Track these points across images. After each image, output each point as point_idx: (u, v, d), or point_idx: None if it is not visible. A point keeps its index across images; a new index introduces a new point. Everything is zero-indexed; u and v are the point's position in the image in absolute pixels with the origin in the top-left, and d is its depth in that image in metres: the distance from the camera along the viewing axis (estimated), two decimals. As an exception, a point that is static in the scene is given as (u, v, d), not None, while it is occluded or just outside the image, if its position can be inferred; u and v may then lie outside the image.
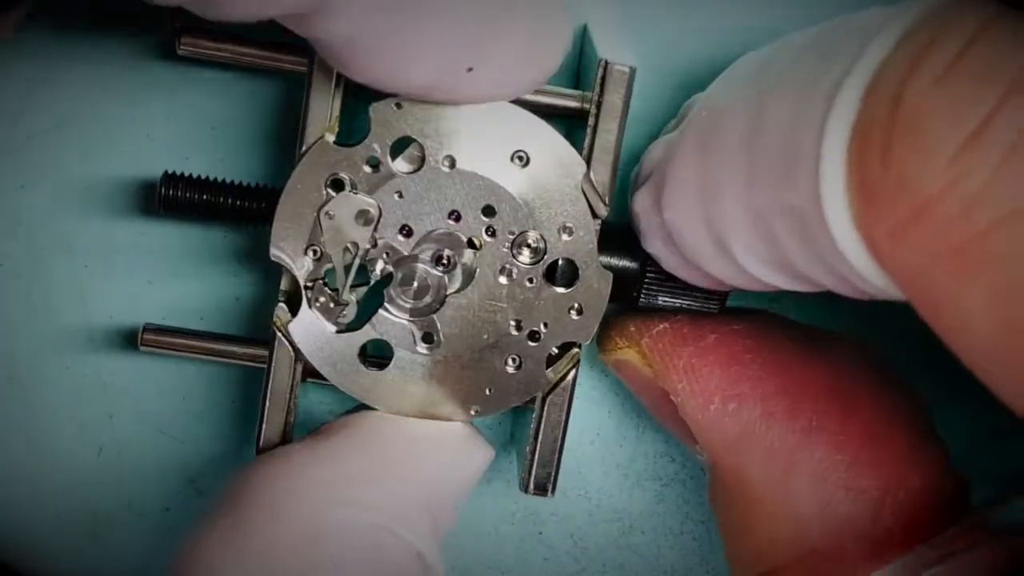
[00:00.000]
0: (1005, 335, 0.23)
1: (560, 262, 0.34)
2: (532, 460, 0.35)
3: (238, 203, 0.35)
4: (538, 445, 0.34)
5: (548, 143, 0.33)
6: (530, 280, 0.34)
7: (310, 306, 0.34)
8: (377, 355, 0.35)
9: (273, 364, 0.34)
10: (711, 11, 0.36)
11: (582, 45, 0.36)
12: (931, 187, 0.24)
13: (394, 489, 0.33)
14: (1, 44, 0.36)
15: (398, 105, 0.33)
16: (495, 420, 0.38)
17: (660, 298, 0.35)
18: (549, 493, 0.35)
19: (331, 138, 0.33)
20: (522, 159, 0.33)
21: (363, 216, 0.33)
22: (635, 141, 0.36)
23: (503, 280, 0.34)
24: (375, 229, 0.33)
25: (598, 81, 0.33)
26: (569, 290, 0.34)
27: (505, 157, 0.33)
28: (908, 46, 0.25)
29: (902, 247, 0.25)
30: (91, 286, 0.37)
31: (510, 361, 0.34)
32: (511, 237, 0.34)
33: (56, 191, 0.37)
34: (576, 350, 0.34)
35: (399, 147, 0.33)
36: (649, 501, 0.40)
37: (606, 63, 0.33)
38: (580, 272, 0.34)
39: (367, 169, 0.33)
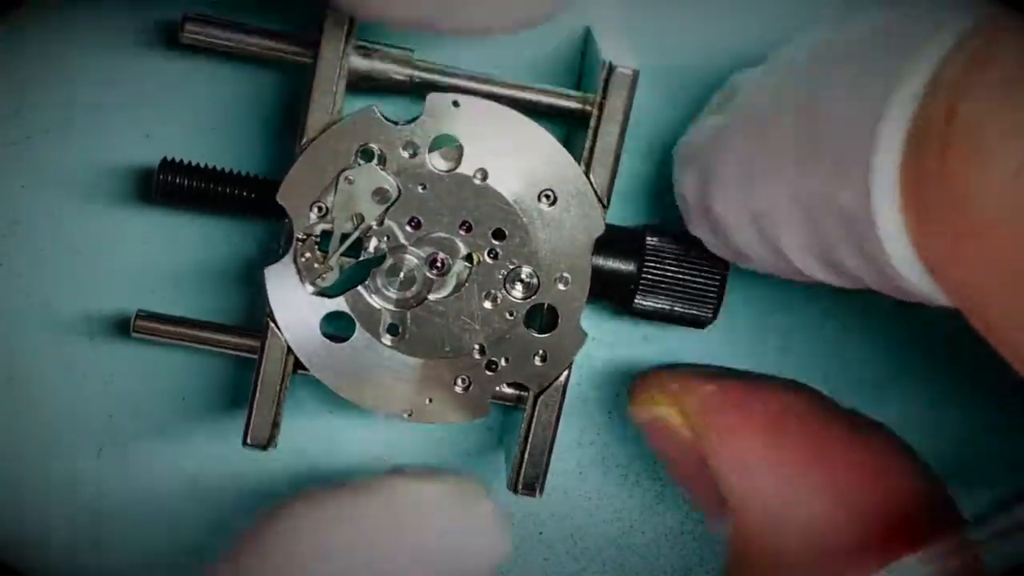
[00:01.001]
0: None
1: (545, 307, 0.34)
2: (522, 459, 0.35)
3: (236, 192, 0.35)
4: (528, 445, 0.34)
5: (580, 194, 0.33)
6: (510, 313, 0.34)
7: (295, 259, 0.34)
8: (339, 331, 0.34)
9: (265, 353, 0.34)
10: (715, 13, 0.36)
11: (585, 47, 0.36)
12: (989, 207, 0.22)
13: (409, 568, 0.32)
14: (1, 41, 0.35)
15: (455, 103, 0.33)
16: (487, 419, 0.38)
17: (654, 303, 0.35)
18: (537, 493, 0.35)
19: (378, 112, 0.33)
20: (549, 198, 0.33)
21: (381, 194, 0.33)
22: (636, 142, 0.36)
23: (487, 304, 0.34)
24: (387, 210, 0.33)
25: (601, 83, 0.33)
26: (542, 336, 0.34)
27: (536, 191, 0.33)
28: (968, 46, 0.23)
29: (957, 266, 0.23)
30: (91, 286, 0.37)
31: (459, 381, 0.34)
32: (510, 267, 0.34)
33: (56, 190, 0.37)
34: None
35: (440, 143, 0.33)
36: (649, 501, 0.40)
37: (610, 65, 0.33)
38: (559, 324, 0.34)
39: (403, 152, 0.33)
